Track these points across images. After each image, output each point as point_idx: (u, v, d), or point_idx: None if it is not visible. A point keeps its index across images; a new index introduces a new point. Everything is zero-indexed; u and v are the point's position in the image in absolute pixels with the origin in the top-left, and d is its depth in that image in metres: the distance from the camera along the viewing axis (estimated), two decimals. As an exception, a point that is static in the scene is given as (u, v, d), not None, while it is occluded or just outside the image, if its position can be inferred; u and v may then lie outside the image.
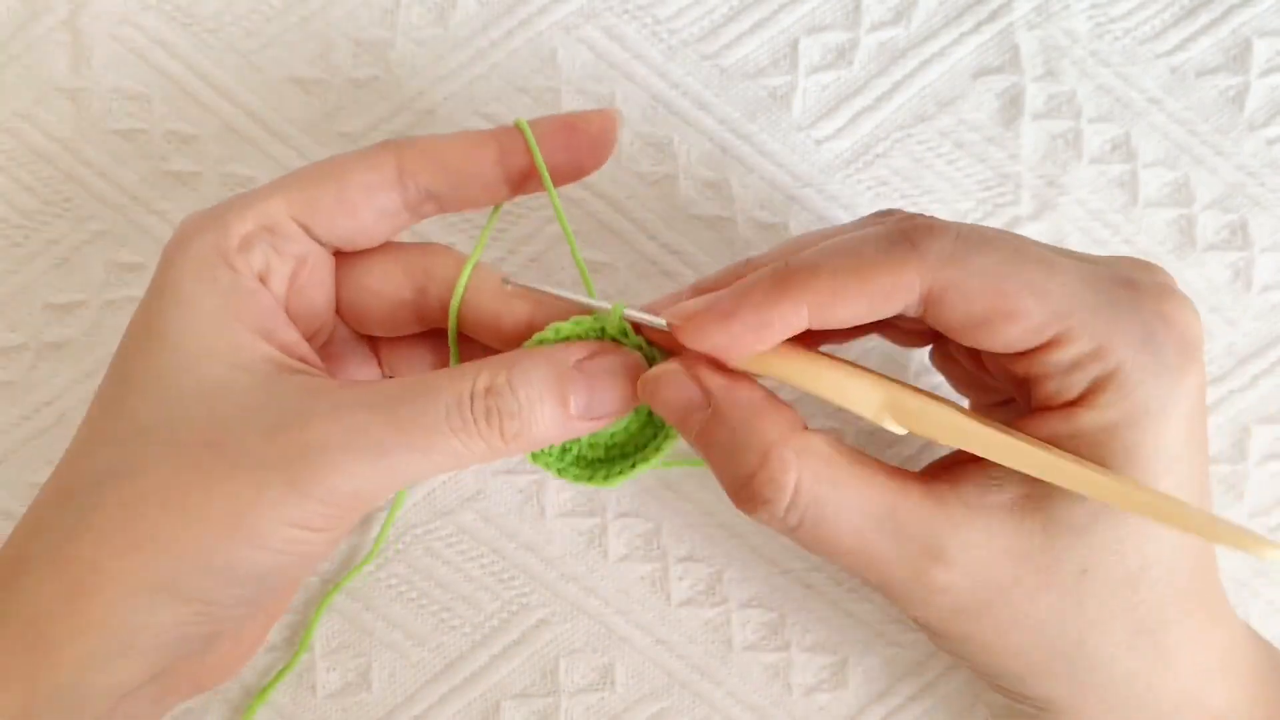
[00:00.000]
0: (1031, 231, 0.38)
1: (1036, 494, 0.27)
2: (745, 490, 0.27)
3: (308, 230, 0.29)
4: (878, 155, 0.38)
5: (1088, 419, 0.26)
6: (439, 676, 0.37)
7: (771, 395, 0.28)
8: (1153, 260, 0.38)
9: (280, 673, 0.36)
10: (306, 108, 0.38)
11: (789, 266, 0.27)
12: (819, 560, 0.37)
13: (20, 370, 0.37)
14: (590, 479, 0.31)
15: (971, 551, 0.27)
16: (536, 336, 0.29)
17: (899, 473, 0.28)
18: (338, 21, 0.39)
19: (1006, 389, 0.30)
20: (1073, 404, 0.27)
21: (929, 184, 0.38)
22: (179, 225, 0.29)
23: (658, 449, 0.30)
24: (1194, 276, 0.38)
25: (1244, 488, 0.37)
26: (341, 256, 0.31)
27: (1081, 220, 0.38)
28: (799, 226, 0.38)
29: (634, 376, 0.28)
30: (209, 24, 0.39)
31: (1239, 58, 0.39)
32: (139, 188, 0.38)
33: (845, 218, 0.38)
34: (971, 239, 0.26)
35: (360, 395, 0.27)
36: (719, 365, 0.28)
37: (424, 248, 0.31)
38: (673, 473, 0.37)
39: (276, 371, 0.27)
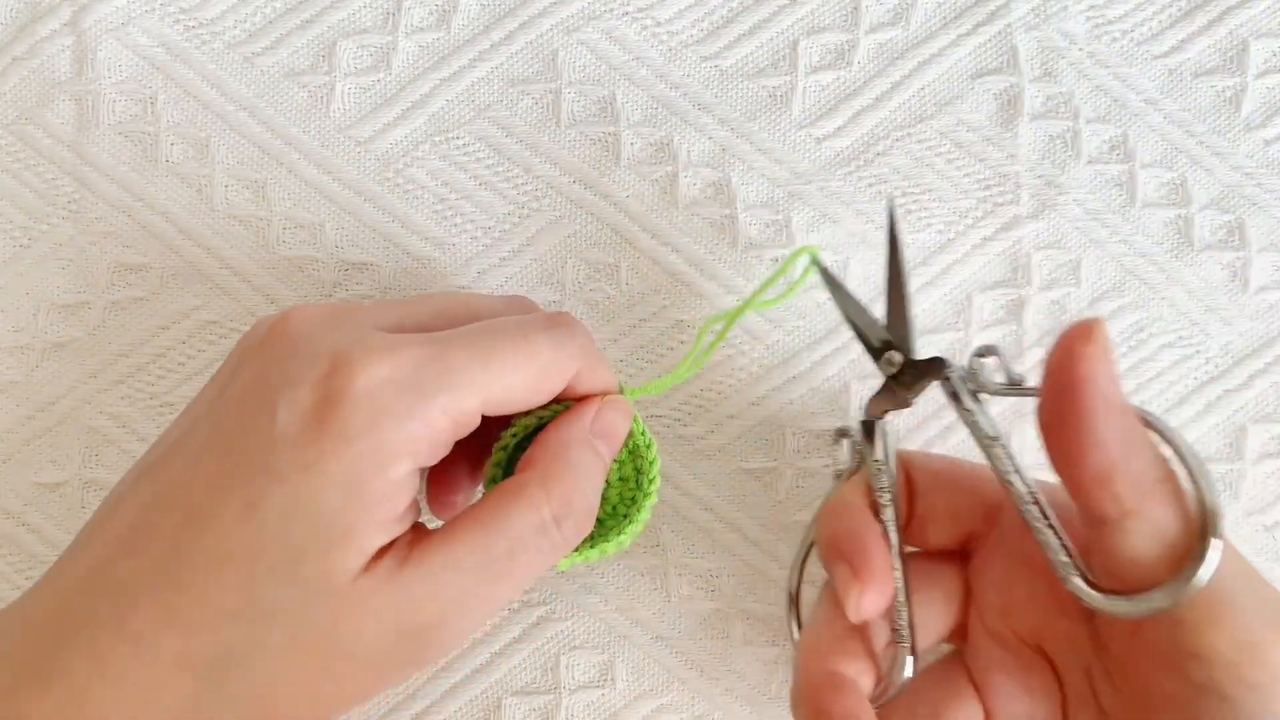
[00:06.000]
0: (1030, 230, 0.38)
1: None
2: None
3: (484, 414, 0.28)
4: (878, 154, 0.39)
5: None
6: (440, 674, 0.37)
7: None
8: (1149, 259, 0.38)
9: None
10: (309, 109, 0.39)
11: None
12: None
13: (24, 370, 0.38)
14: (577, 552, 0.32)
15: None
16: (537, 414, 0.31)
17: None
18: (340, 24, 0.39)
19: None
20: None
21: (929, 182, 0.38)
22: (361, 379, 0.26)
23: (632, 519, 0.32)
24: (1191, 277, 0.38)
25: (1240, 487, 0.37)
26: None
27: (1079, 220, 0.38)
28: (801, 223, 0.38)
29: (628, 410, 0.32)
30: (212, 26, 0.39)
31: (1236, 59, 0.39)
32: (144, 189, 0.38)
33: (847, 214, 0.38)
34: None
35: (449, 558, 0.27)
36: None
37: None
38: (672, 469, 0.37)
39: (398, 566, 0.27)
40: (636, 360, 0.38)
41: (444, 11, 0.39)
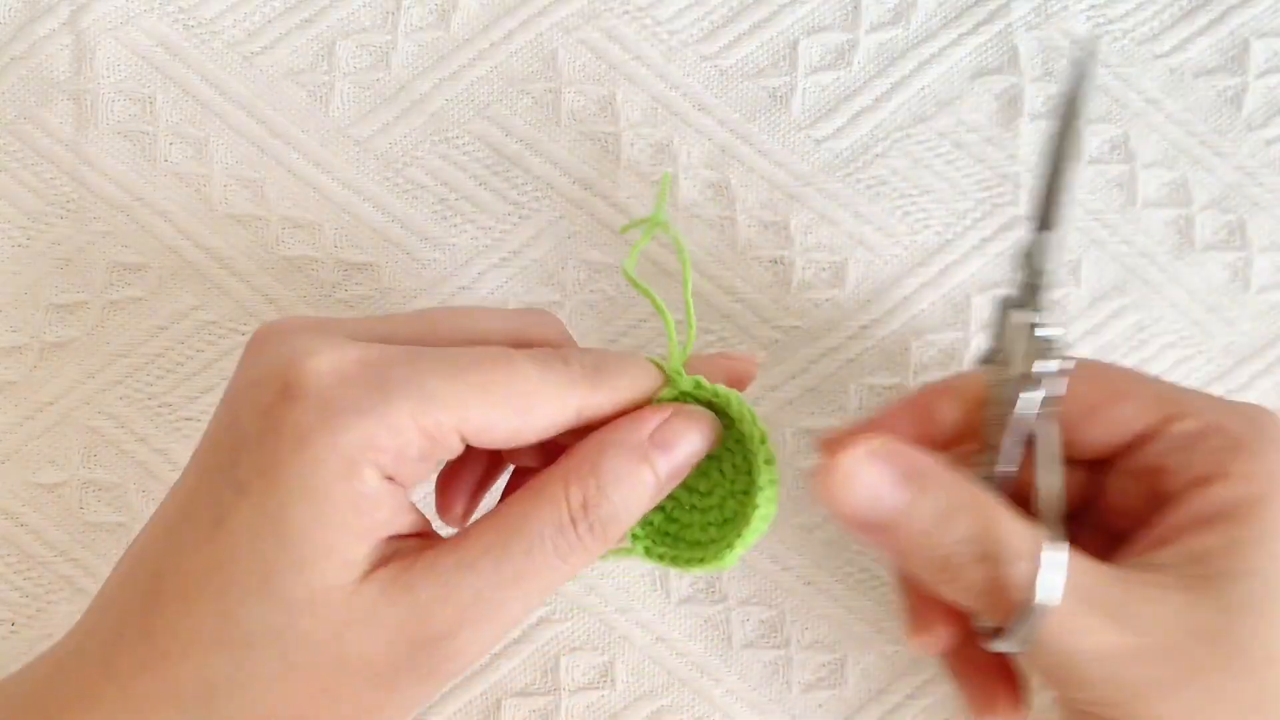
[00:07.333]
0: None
1: (1206, 571, 0.26)
2: (992, 597, 0.27)
3: (465, 440, 0.26)
4: (877, 155, 0.39)
5: (1225, 492, 0.26)
6: (440, 675, 0.37)
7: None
8: (1150, 259, 0.38)
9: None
10: (309, 108, 0.39)
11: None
12: (819, 556, 0.37)
13: (22, 370, 0.38)
14: (690, 561, 0.29)
15: (1159, 626, 0.26)
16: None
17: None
18: (340, 23, 0.39)
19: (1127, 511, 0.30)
20: (1204, 480, 0.27)
21: (928, 184, 0.38)
22: (315, 373, 0.24)
23: (755, 508, 0.28)
24: (1192, 276, 0.38)
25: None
26: None
27: (1080, 220, 0.38)
28: (799, 225, 0.38)
29: (709, 426, 0.28)
30: (211, 25, 0.39)
31: (1237, 59, 0.39)
32: (142, 188, 0.38)
33: (846, 216, 0.38)
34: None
35: (462, 558, 0.26)
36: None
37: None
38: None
39: (404, 571, 0.25)
40: (636, 360, 0.38)
41: (443, 10, 0.39)
